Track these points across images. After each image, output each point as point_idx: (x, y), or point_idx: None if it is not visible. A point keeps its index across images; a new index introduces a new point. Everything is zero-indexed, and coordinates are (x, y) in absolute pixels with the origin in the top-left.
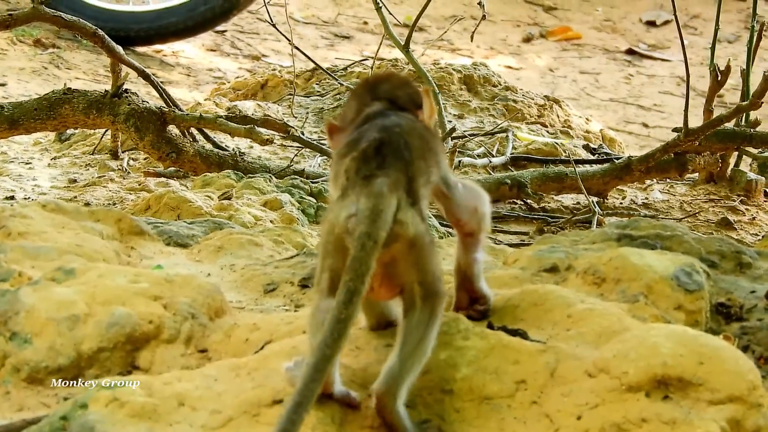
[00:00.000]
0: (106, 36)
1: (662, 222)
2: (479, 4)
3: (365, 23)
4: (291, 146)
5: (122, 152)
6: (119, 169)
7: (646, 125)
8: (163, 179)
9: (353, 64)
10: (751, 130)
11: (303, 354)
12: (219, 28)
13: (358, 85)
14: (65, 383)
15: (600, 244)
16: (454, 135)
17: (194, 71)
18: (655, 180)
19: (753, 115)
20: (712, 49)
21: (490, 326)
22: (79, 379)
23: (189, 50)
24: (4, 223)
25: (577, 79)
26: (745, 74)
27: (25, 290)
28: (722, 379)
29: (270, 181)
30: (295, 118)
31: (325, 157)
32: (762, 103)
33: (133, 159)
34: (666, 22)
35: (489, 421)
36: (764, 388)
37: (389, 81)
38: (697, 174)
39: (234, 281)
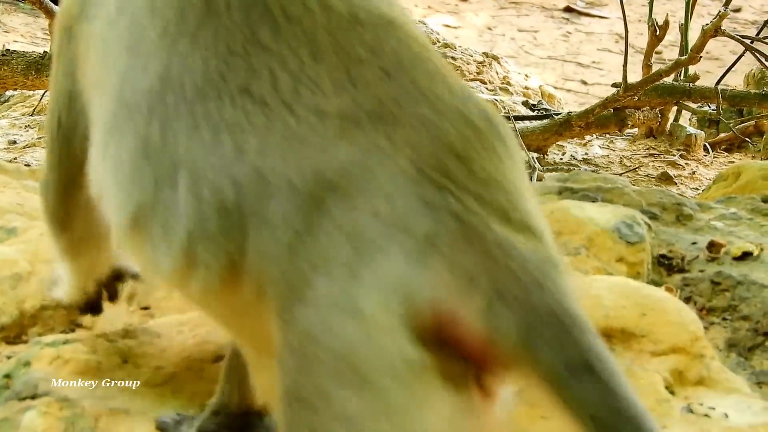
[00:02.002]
0: None
1: (603, 175)
2: None
3: None
4: None
5: None
6: None
7: (584, 82)
8: None
9: None
10: (690, 84)
11: None
12: None
13: None
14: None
15: (541, 197)
16: None
17: None
18: (594, 135)
19: (691, 69)
20: (650, 4)
21: None
22: (22, 338)
23: None
24: None
25: (516, 37)
26: (684, 29)
27: None
28: (665, 331)
29: None
30: None
31: None
32: (700, 57)
33: None
34: None
35: None
36: (706, 339)
37: None
38: (636, 129)
39: None
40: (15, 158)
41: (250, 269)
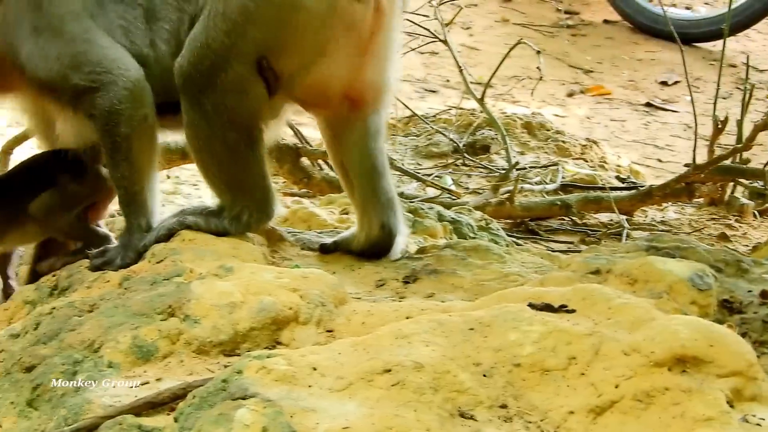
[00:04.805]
0: None
1: (680, 237)
2: (538, 68)
3: (448, 81)
4: (394, 174)
5: (269, 180)
6: None
7: (660, 160)
8: (297, 198)
9: (441, 112)
10: (744, 166)
11: (407, 334)
12: None
13: None
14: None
15: (633, 253)
16: (517, 167)
17: None
18: (669, 203)
19: (745, 155)
20: (714, 105)
21: (532, 305)
22: (236, 351)
23: None
24: (178, 232)
25: (608, 125)
26: (740, 124)
27: (195, 283)
28: (727, 358)
29: None
30: (397, 152)
31: (420, 182)
32: (752, 145)
33: (274, 182)
34: (676, 82)
35: (548, 388)
36: (759, 366)
37: None
38: (701, 199)
39: (353, 278)
40: None
41: None
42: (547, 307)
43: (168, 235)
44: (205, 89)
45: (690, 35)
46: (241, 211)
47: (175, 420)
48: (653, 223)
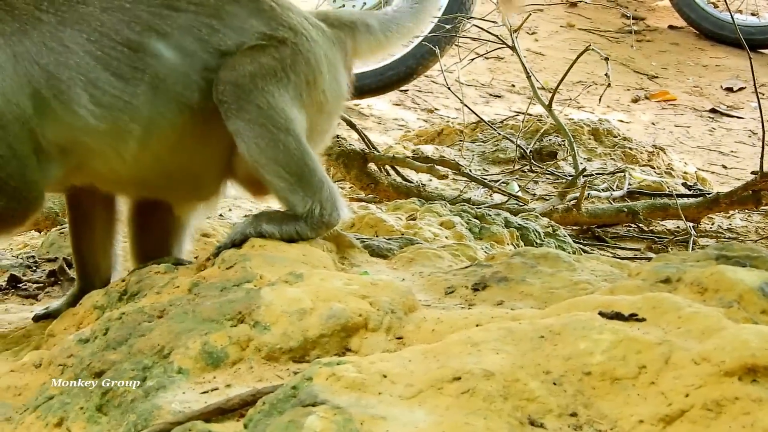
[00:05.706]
0: None
1: (750, 245)
2: (606, 75)
3: (513, 86)
4: (461, 180)
5: (333, 182)
6: None
7: (725, 167)
8: (364, 203)
9: (507, 118)
10: None
11: (477, 342)
12: (402, 87)
13: None
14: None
15: (703, 262)
16: (585, 174)
17: (383, 120)
18: (736, 210)
19: None
20: None
21: (602, 313)
22: (305, 358)
23: (379, 104)
24: (249, 238)
25: (673, 131)
26: None
27: (265, 290)
28: None
29: (445, 206)
30: (464, 158)
31: (486, 188)
32: None
33: (341, 188)
34: (741, 89)
35: (618, 397)
36: None
37: None
38: None
39: (422, 285)
40: None
41: None
42: (617, 316)
43: (242, 240)
44: (255, 89)
45: (756, 41)
46: (313, 208)
47: (245, 426)
48: (720, 230)
